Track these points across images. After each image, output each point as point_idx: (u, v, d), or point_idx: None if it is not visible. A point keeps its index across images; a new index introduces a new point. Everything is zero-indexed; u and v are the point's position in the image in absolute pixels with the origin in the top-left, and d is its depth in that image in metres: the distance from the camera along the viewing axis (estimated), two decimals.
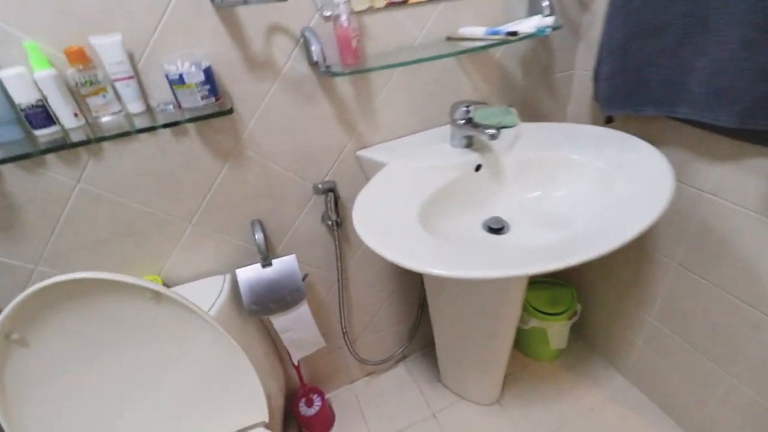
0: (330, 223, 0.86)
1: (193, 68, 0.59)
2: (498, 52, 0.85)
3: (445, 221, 0.72)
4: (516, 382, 1.17)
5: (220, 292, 0.79)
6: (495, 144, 0.80)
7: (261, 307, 0.80)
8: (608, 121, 0.90)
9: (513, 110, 0.90)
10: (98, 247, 0.71)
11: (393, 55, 0.73)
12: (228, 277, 0.82)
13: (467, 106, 0.75)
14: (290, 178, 0.80)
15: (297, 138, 0.76)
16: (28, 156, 0.55)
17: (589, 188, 0.73)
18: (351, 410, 1.14)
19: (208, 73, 0.60)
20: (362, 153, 0.82)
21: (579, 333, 1.25)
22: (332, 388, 1.19)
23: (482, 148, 0.80)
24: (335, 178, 0.84)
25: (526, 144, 0.82)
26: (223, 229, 0.79)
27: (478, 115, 0.79)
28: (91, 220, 0.69)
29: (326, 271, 0.96)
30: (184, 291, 0.79)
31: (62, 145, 0.56)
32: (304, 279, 0.88)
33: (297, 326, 0.84)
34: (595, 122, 0.95)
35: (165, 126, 0.60)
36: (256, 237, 0.79)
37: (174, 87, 0.60)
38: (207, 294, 0.79)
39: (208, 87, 0.61)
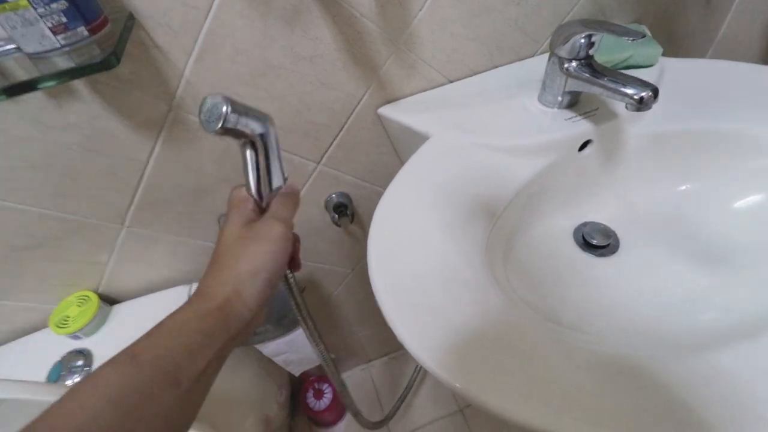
0: (337, 216, 0.58)
1: None
2: None
3: (526, 238, 0.43)
4: None
5: None
6: (616, 103, 0.46)
7: None
8: None
9: (647, 31, 0.53)
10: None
11: None
12: (194, 287, 0.59)
13: (589, 34, 0.40)
14: None
15: (274, 88, 0.44)
16: None
17: None
18: (366, 395, 1.01)
19: None
20: (387, 111, 0.50)
21: None
22: (345, 367, 1.05)
23: (593, 110, 0.46)
24: (341, 152, 0.53)
25: (670, 100, 0.47)
26: (176, 230, 0.53)
27: (602, 48, 0.43)
28: None
29: (337, 266, 0.71)
30: (136, 307, 0.58)
31: None
32: (302, 292, 0.64)
33: (292, 348, 0.63)
34: None
35: None
36: None
37: None
38: (164, 311, 0.57)
39: (63, 4, 0.28)
